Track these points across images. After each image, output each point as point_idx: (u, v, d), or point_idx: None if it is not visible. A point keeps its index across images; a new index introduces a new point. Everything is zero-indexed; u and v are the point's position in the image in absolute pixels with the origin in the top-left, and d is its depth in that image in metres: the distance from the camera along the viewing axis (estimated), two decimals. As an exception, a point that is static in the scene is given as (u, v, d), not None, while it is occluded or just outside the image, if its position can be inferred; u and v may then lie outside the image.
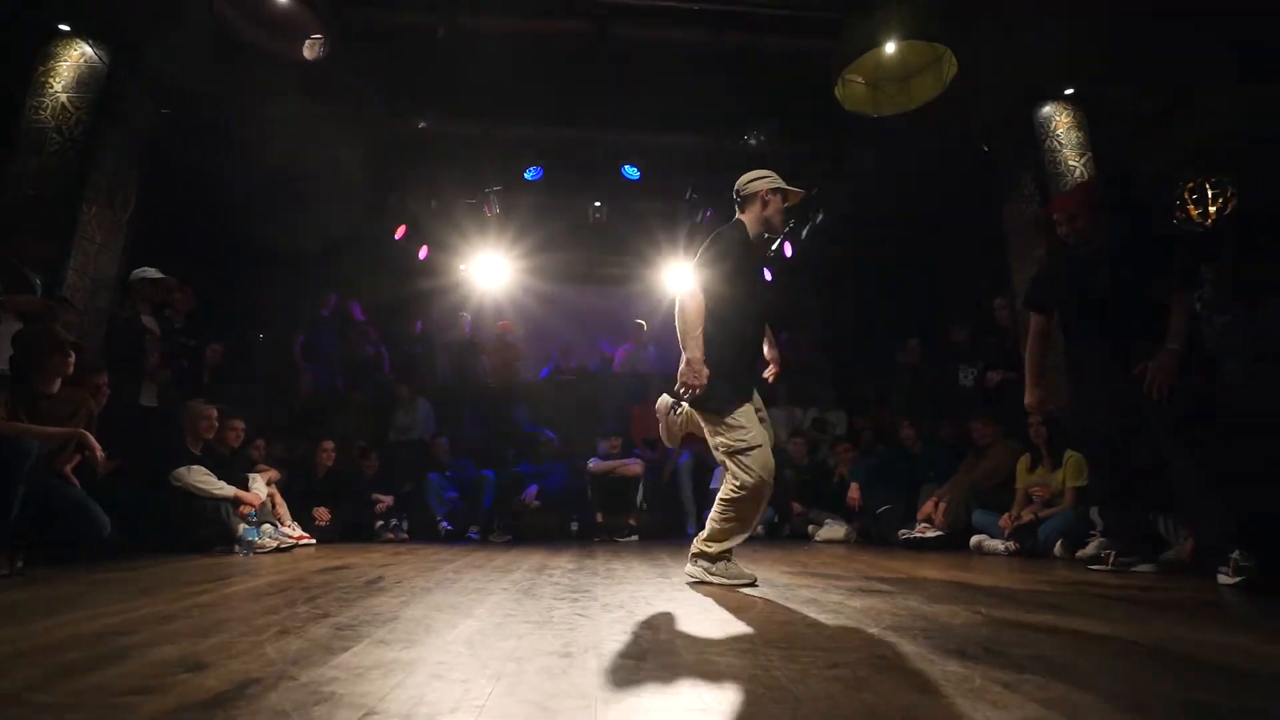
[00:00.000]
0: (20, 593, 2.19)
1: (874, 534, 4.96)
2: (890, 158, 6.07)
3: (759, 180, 2.66)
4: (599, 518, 5.52)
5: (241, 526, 3.88)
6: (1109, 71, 5.02)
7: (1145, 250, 2.92)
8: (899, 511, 4.79)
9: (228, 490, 3.95)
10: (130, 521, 3.53)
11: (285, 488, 4.67)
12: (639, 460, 5.79)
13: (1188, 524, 2.96)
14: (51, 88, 4.40)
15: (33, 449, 2.70)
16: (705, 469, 5.62)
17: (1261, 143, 4.96)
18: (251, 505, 4.03)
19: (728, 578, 2.46)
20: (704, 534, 2.57)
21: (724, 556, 2.53)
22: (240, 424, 4.52)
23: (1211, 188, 5.47)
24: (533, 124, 6.22)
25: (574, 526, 5.69)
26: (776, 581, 2.58)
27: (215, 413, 4.21)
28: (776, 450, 2.67)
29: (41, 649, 1.37)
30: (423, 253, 7.50)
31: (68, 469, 3.12)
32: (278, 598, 2.11)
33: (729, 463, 2.48)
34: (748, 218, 2.68)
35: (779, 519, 5.62)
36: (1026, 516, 3.95)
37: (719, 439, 2.50)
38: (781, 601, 2.09)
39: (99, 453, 3.07)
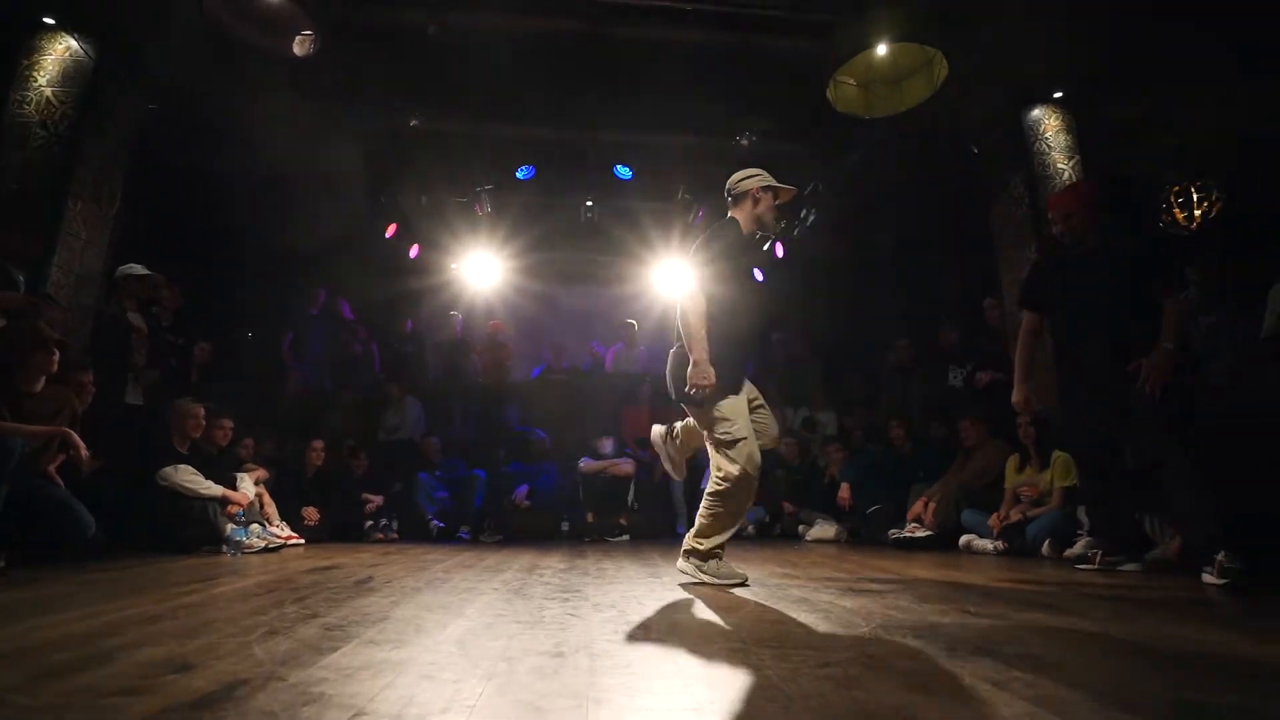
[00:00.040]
0: (3, 594, 2.15)
1: (864, 534, 4.99)
2: (881, 159, 6.09)
3: (750, 178, 2.69)
4: (590, 517, 5.52)
5: (229, 526, 3.84)
6: (1098, 75, 5.07)
7: (1140, 251, 2.95)
8: (889, 511, 4.83)
9: (215, 490, 3.91)
10: (116, 521, 3.49)
11: (274, 487, 4.63)
12: (630, 460, 5.79)
13: (1176, 523, 2.99)
14: (36, 81, 4.34)
15: (16, 448, 2.67)
16: (696, 469, 5.62)
17: (1247, 145, 5.02)
18: (239, 505, 3.99)
19: (719, 577, 2.47)
20: (693, 530, 2.59)
21: (715, 555, 2.53)
22: (228, 423, 4.47)
23: (1197, 191, 5.53)
24: (525, 122, 6.19)
25: (565, 526, 5.68)
26: (767, 581, 2.59)
27: (202, 411, 4.17)
28: (767, 451, 2.68)
29: (26, 650, 1.34)
30: (413, 251, 7.44)
31: (52, 468, 3.09)
32: (266, 598, 2.09)
33: (716, 455, 2.52)
34: (740, 216, 2.70)
35: (770, 519, 5.64)
36: (1015, 516, 3.98)
37: (707, 432, 2.57)
38: (772, 601, 2.09)
39: (83, 452, 3.04)
